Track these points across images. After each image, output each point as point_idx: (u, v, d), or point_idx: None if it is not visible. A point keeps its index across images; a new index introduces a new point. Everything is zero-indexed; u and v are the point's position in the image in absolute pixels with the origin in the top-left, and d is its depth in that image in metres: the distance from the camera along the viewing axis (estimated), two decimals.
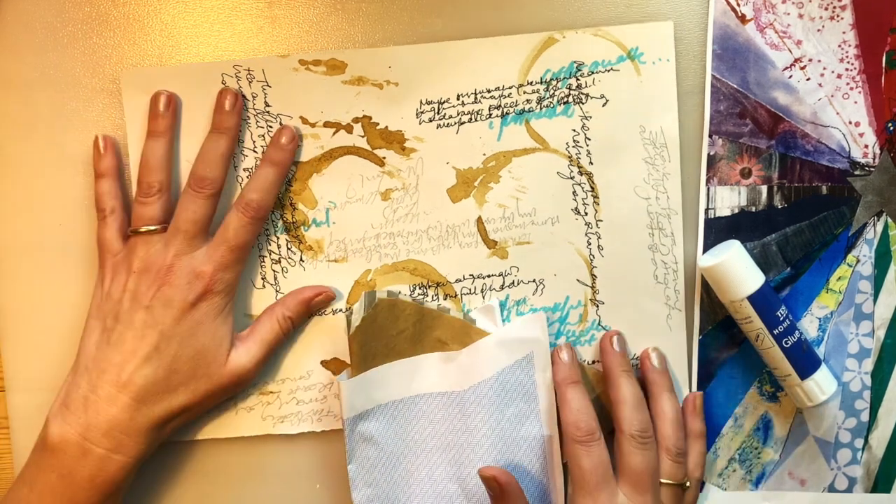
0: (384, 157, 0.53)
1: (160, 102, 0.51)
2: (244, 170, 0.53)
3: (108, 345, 0.49)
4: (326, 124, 0.53)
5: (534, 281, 0.54)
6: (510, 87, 0.53)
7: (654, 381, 0.53)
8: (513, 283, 0.54)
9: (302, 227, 0.54)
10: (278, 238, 0.54)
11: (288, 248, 0.54)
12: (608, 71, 0.53)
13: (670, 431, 0.51)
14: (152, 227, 0.50)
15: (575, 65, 0.52)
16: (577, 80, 0.53)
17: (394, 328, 0.53)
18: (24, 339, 0.55)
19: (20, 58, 0.53)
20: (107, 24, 0.53)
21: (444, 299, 0.54)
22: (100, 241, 0.52)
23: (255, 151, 0.53)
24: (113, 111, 0.54)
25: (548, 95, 0.53)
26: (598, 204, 0.54)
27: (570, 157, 0.53)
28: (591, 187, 0.53)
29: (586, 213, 0.54)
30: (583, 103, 0.53)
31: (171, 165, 0.52)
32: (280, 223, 0.54)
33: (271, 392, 0.55)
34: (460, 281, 0.54)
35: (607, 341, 0.53)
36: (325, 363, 0.55)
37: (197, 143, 0.53)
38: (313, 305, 0.53)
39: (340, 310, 0.54)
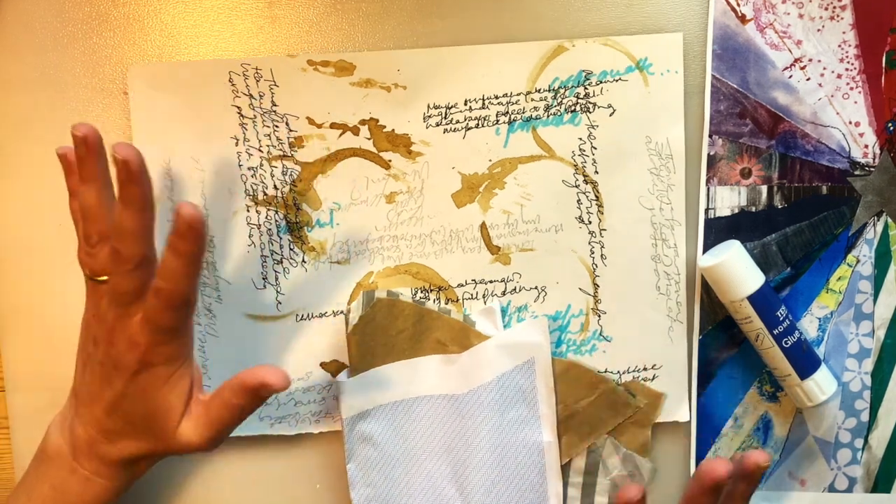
0: (390, 160, 0.53)
1: (79, 144, 0.43)
2: (249, 168, 0.53)
3: (86, 374, 0.46)
4: (333, 125, 0.53)
5: (536, 288, 0.54)
6: (518, 94, 0.53)
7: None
8: (515, 289, 0.54)
9: (305, 228, 0.54)
10: (280, 238, 0.54)
11: (290, 249, 0.54)
12: (616, 80, 0.53)
13: None
14: (104, 277, 0.44)
15: (583, 73, 0.53)
16: (585, 88, 0.53)
17: (393, 328, 0.53)
18: (24, 339, 0.55)
19: (20, 58, 0.53)
20: (107, 24, 0.53)
21: (446, 303, 0.54)
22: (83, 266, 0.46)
23: (260, 151, 0.53)
24: (113, 111, 0.54)
25: (555, 103, 0.53)
26: (603, 213, 0.54)
27: (575, 166, 0.53)
28: (596, 196, 0.54)
29: (590, 222, 0.54)
30: (590, 112, 0.53)
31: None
32: (283, 223, 0.54)
33: None
34: (462, 286, 0.54)
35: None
36: (324, 365, 0.55)
37: (203, 141, 0.53)
38: (262, 395, 0.44)
39: (341, 311, 0.54)
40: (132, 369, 0.44)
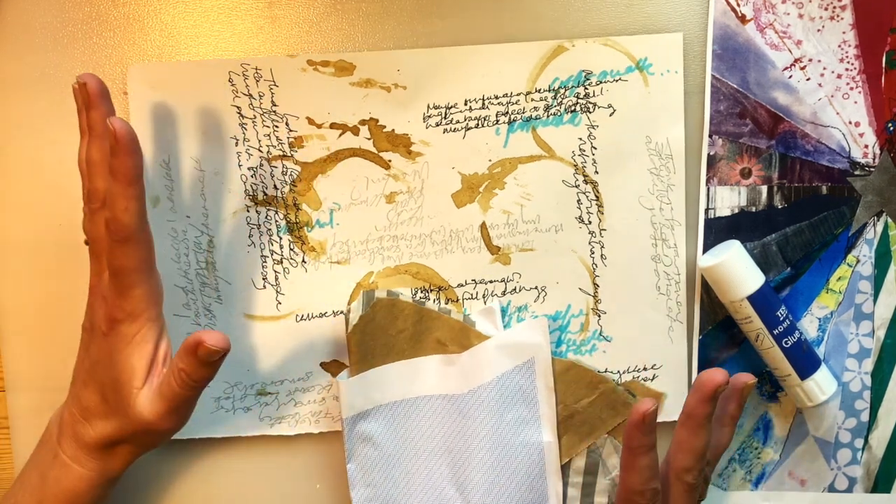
0: (390, 161, 0.53)
1: (79, 93, 0.44)
2: (249, 168, 0.53)
3: (79, 351, 0.48)
4: (333, 126, 0.53)
5: (536, 288, 0.54)
6: (518, 94, 0.53)
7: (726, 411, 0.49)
8: (515, 289, 0.54)
9: (305, 228, 0.54)
10: (280, 238, 0.54)
11: (290, 249, 0.54)
12: (616, 81, 0.53)
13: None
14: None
15: (583, 73, 0.53)
16: (585, 88, 0.53)
17: (393, 328, 0.53)
18: (24, 339, 0.55)
19: (20, 58, 0.53)
20: (107, 24, 0.53)
21: (446, 303, 0.54)
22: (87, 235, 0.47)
23: (260, 151, 0.53)
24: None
25: (555, 103, 0.53)
26: (603, 213, 0.54)
27: (575, 166, 0.53)
28: (596, 196, 0.54)
29: (590, 222, 0.54)
30: (590, 112, 0.53)
31: None
32: (283, 223, 0.54)
33: (269, 393, 0.55)
34: (462, 286, 0.54)
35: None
36: (324, 365, 0.55)
37: (203, 142, 0.53)
38: (200, 355, 0.43)
39: (341, 311, 0.54)
40: (102, 330, 0.45)
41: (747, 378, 0.48)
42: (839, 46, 0.52)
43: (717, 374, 0.45)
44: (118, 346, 0.45)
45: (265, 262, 0.54)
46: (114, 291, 0.44)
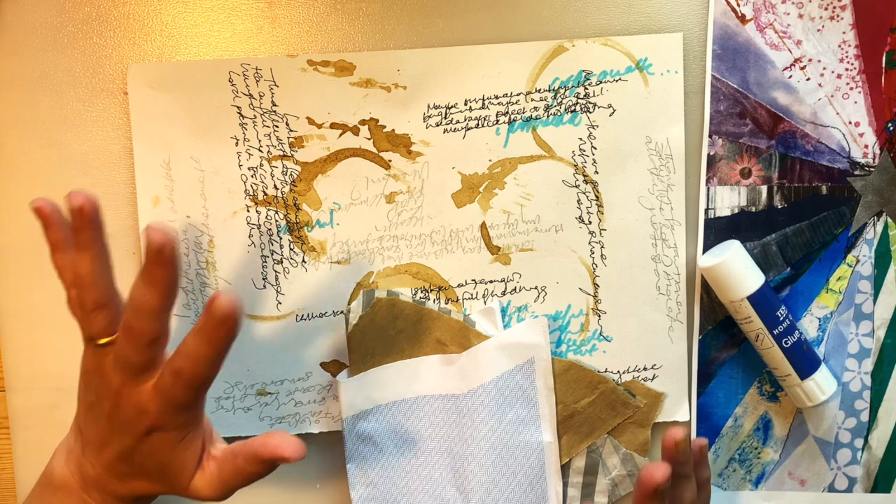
0: (390, 160, 0.53)
1: (78, 211, 0.41)
2: (249, 168, 0.53)
3: (91, 420, 0.44)
4: (333, 125, 0.53)
5: (536, 288, 0.54)
6: (518, 94, 0.53)
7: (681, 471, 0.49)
8: (515, 289, 0.54)
9: (305, 228, 0.54)
10: (281, 238, 0.54)
11: (290, 249, 0.54)
12: (616, 81, 0.53)
13: None
14: (105, 340, 0.42)
15: (583, 73, 0.53)
16: (585, 88, 0.53)
17: (392, 328, 0.53)
18: (24, 339, 0.55)
19: (20, 58, 0.53)
20: (107, 24, 0.53)
21: (446, 303, 0.54)
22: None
23: (260, 151, 0.53)
24: (113, 111, 0.54)
25: (555, 103, 0.53)
26: (603, 213, 0.54)
27: (575, 166, 0.53)
28: (596, 196, 0.54)
29: (590, 222, 0.54)
30: (590, 112, 0.53)
31: (110, 274, 0.43)
32: (283, 223, 0.54)
33: (269, 393, 0.55)
34: (462, 286, 0.54)
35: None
36: (324, 365, 0.55)
37: (203, 141, 0.53)
38: (275, 464, 0.43)
39: (341, 311, 0.54)
40: (142, 432, 0.43)
41: (676, 435, 0.47)
42: (839, 46, 0.52)
43: (656, 473, 0.44)
44: (165, 446, 0.43)
45: (265, 262, 0.54)
46: (165, 411, 0.42)
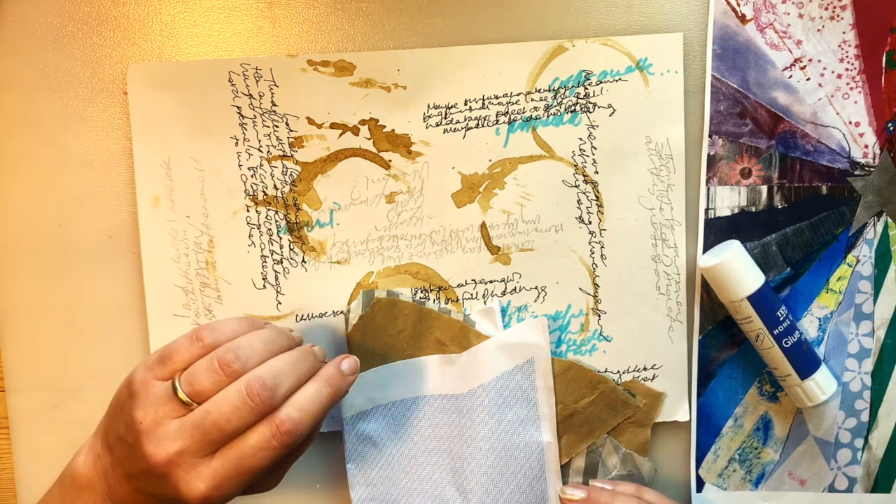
0: (390, 161, 0.53)
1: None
2: (249, 168, 0.53)
3: (122, 448, 0.43)
4: (333, 125, 0.53)
5: (536, 288, 0.54)
6: (518, 94, 0.53)
7: None
8: (515, 289, 0.54)
9: (305, 228, 0.54)
10: (280, 238, 0.54)
11: (290, 249, 0.54)
12: (616, 81, 0.53)
13: None
14: (186, 400, 0.41)
15: (583, 73, 0.53)
16: (585, 88, 0.53)
17: (392, 328, 0.53)
18: (24, 339, 0.55)
19: (20, 58, 0.53)
20: (107, 24, 0.53)
21: (446, 303, 0.54)
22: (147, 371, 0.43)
23: (260, 151, 0.53)
24: (113, 111, 0.54)
25: (555, 103, 0.53)
26: (603, 213, 0.54)
27: (575, 166, 0.53)
28: (596, 196, 0.54)
29: (590, 222, 0.54)
30: (590, 112, 0.53)
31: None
32: (283, 223, 0.54)
33: None
34: (462, 286, 0.54)
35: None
36: None
37: (203, 141, 0.53)
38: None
39: (341, 311, 0.54)
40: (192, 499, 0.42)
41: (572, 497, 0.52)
42: (839, 46, 0.52)
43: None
44: None
45: (265, 262, 0.54)
46: (223, 486, 0.41)
